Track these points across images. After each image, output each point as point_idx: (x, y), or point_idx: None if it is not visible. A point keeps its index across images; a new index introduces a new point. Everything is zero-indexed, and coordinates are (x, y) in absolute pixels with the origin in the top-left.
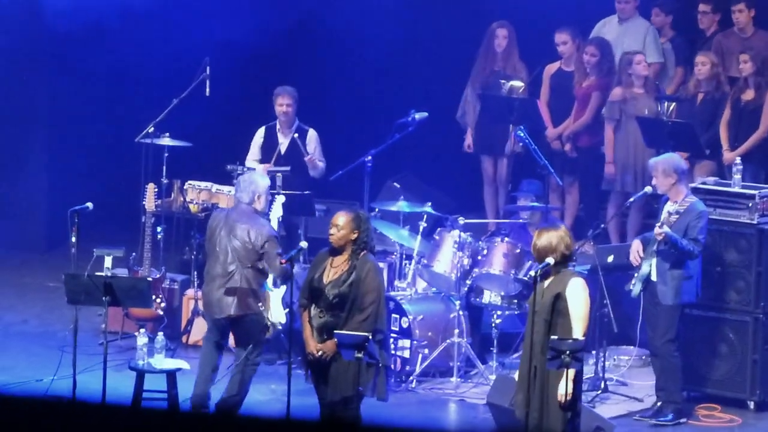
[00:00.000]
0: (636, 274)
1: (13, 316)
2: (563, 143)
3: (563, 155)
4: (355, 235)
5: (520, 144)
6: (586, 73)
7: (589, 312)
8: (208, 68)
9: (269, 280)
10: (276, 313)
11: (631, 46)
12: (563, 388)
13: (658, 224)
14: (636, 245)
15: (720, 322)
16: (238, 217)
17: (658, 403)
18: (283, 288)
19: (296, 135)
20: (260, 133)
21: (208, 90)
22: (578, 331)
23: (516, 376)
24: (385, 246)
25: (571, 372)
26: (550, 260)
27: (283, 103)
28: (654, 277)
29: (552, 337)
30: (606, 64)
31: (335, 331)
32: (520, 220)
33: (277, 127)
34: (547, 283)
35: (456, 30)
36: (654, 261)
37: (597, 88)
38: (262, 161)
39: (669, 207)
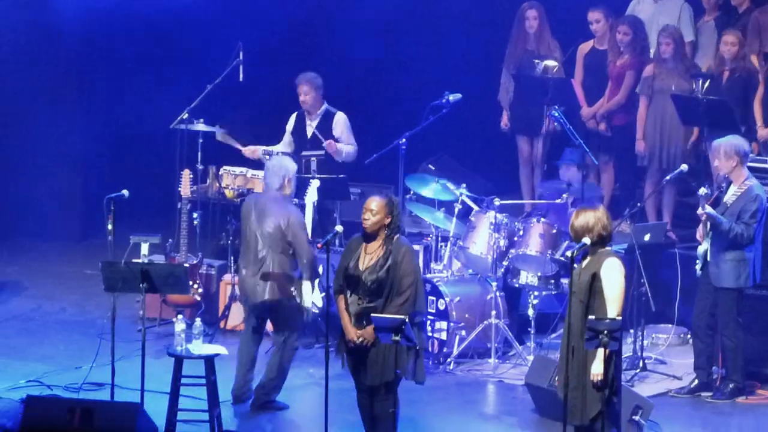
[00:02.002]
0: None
1: (52, 304)
2: (598, 122)
3: (598, 134)
4: (389, 220)
5: (555, 124)
6: (620, 52)
7: (624, 292)
8: (241, 53)
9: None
10: (311, 298)
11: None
12: (597, 368)
13: (701, 205)
14: (702, 224)
15: None
16: (267, 204)
17: (695, 381)
18: (320, 269)
19: (314, 125)
20: (292, 118)
21: (241, 75)
22: (613, 311)
23: (556, 357)
24: (420, 228)
25: (602, 352)
26: (587, 240)
27: (301, 92)
28: (709, 258)
29: (589, 317)
30: (639, 42)
31: (372, 315)
32: (558, 201)
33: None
34: (584, 263)
35: (490, 10)
36: (708, 242)
37: (631, 67)
38: (295, 147)
39: (731, 189)
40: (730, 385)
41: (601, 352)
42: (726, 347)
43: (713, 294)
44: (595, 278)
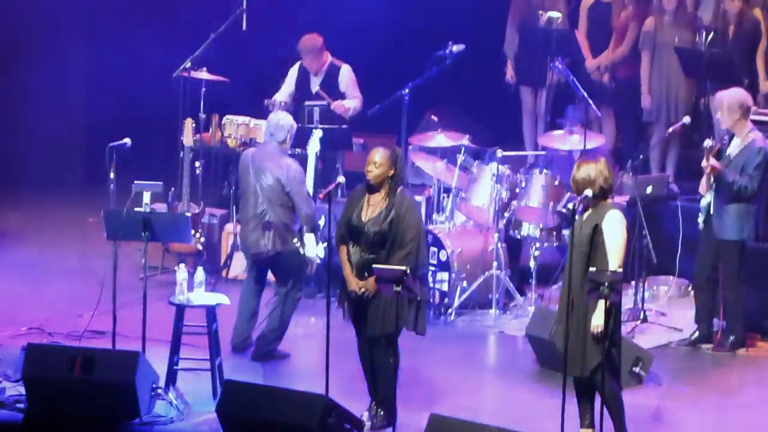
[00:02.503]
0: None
1: (53, 252)
2: (602, 74)
3: (602, 86)
4: (393, 172)
5: (559, 76)
6: (624, 4)
7: (625, 244)
8: (244, 2)
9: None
10: (312, 250)
11: None
12: (597, 320)
13: (705, 157)
14: (705, 177)
15: None
16: (265, 157)
17: (696, 334)
18: (321, 222)
19: (319, 81)
20: (295, 69)
21: (245, 24)
22: (614, 263)
23: (556, 307)
24: (422, 180)
25: (602, 303)
26: (588, 193)
27: (305, 61)
28: (712, 211)
29: (590, 269)
30: None
31: (374, 266)
32: (562, 152)
33: None
34: (585, 215)
35: None
36: (712, 194)
37: (635, 18)
38: (296, 97)
39: (735, 142)
40: (731, 338)
41: (601, 304)
42: (727, 300)
43: (715, 246)
44: (596, 230)
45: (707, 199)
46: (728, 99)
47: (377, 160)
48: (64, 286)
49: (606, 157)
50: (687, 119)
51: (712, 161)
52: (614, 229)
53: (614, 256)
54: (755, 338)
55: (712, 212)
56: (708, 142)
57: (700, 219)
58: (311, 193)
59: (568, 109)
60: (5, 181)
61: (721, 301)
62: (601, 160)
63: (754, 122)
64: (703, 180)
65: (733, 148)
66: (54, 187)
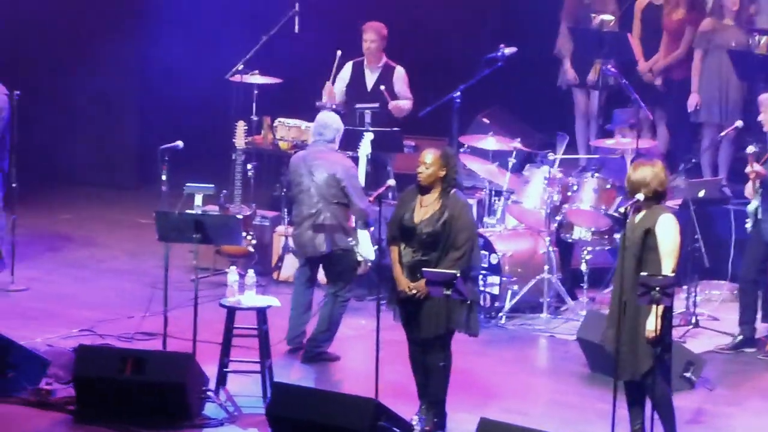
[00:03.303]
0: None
1: (105, 253)
2: (654, 77)
3: (654, 89)
4: (444, 173)
5: (611, 78)
6: (677, 6)
7: (679, 248)
8: (297, 4)
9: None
10: (365, 250)
11: None
12: (652, 324)
13: (749, 163)
14: (751, 182)
15: None
16: (317, 156)
17: (739, 337)
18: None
19: (375, 77)
20: (347, 69)
21: (297, 27)
22: (668, 267)
23: (607, 311)
24: (474, 182)
25: (660, 308)
26: (640, 196)
27: (367, 39)
28: (760, 215)
29: (642, 273)
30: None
31: (423, 270)
32: (614, 156)
33: (365, 63)
34: (638, 218)
35: None
36: (759, 199)
37: (689, 21)
38: (348, 99)
39: None
40: None
41: (655, 309)
42: None
43: (764, 249)
44: (648, 234)
45: (754, 203)
46: None
47: (428, 161)
48: (116, 287)
49: (660, 160)
50: (740, 123)
51: (756, 167)
52: (668, 233)
53: (668, 260)
54: None
55: (760, 216)
56: (751, 148)
57: (748, 224)
58: None
59: (615, 114)
60: (59, 181)
61: (765, 303)
62: (657, 163)
63: None
64: (749, 185)
65: None
66: (107, 188)
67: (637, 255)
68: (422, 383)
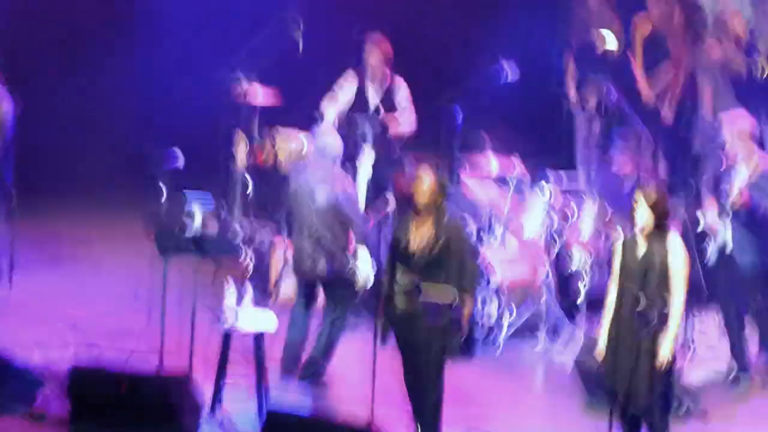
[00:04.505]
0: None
1: (102, 267)
2: (656, 102)
3: (657, 114)
4: (441, 198)
5: (612, 100)
6: (680, 33)
7: (688, 273)
8: (301, 24)
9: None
10: (367, 265)
11: (727, 5)
12: (667, 350)
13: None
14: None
15: None
16: (318, 178)
17: (733, 372)
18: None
19: (378, 98)
20: (353, 80)
21: (301, 47)
22: (677, 292)
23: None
24: (473, 204)
25: (663, 338)
26: (641, 221)
27: (371, 56)
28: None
29: (640, 301)
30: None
31: (421, 300)
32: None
33: (367, 80)
34: (640, 243)
35: None
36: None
37: (690, 46)
38: (351, 109)
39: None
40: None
41: (663, 339)
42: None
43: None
44: (651, 260)
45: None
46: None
47: (424, 188)
48: (113, 303)
49: (661, 186)
50: None
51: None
52: (677, 258)
53: (677, 285)
54: None
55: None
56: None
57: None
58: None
59: (614, 138)
60: (56, 187)
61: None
62: (660, 188)
63: None
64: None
65: None
66: (104, 201)
67: (637, 281)
68: (417, 406)
